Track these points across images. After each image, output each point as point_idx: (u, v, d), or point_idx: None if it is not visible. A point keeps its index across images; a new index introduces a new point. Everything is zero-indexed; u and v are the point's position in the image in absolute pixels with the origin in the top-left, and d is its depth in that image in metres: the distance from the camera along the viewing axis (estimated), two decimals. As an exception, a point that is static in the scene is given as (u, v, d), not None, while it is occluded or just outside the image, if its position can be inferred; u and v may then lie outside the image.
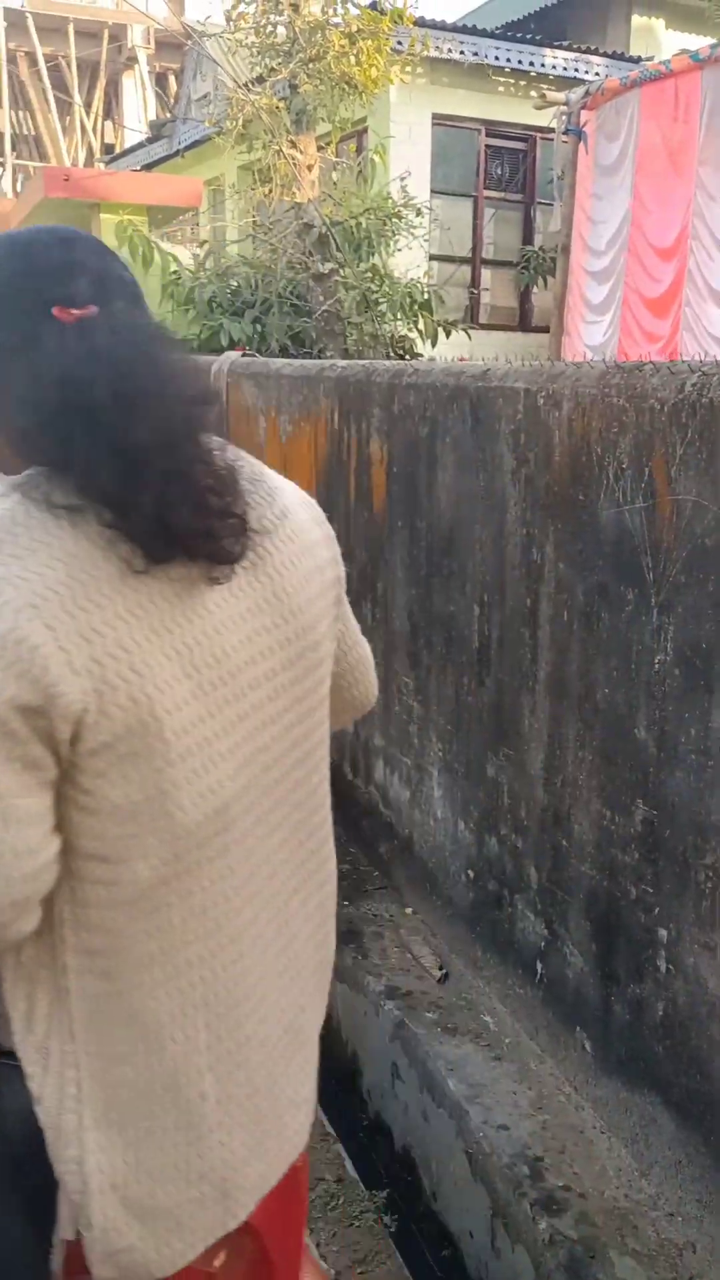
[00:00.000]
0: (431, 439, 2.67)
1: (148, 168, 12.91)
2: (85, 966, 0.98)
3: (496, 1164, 2.03)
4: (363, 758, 3.27)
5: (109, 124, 23.50)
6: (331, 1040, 2.88)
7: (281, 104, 5.10)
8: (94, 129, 22.92)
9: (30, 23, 21.58)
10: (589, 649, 2.02)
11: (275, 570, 1.10)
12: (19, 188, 24.43)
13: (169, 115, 16.90)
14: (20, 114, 23.65)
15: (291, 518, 1.16)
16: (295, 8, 4.91)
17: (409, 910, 2.95)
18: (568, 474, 2.06)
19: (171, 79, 22.00)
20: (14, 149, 22.84)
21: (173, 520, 0.93)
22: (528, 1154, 2.03)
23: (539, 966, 2.29)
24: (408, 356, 5.90)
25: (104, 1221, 1.01)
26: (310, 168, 5.10)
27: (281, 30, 5.15)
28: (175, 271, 6.89)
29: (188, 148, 11.40)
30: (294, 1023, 1.18)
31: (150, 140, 14.20)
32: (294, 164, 5.02)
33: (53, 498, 0.92)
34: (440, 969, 2.66)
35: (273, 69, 5.32)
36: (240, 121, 5.11)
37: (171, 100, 21.83)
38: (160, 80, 22.61)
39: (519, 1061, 2.30)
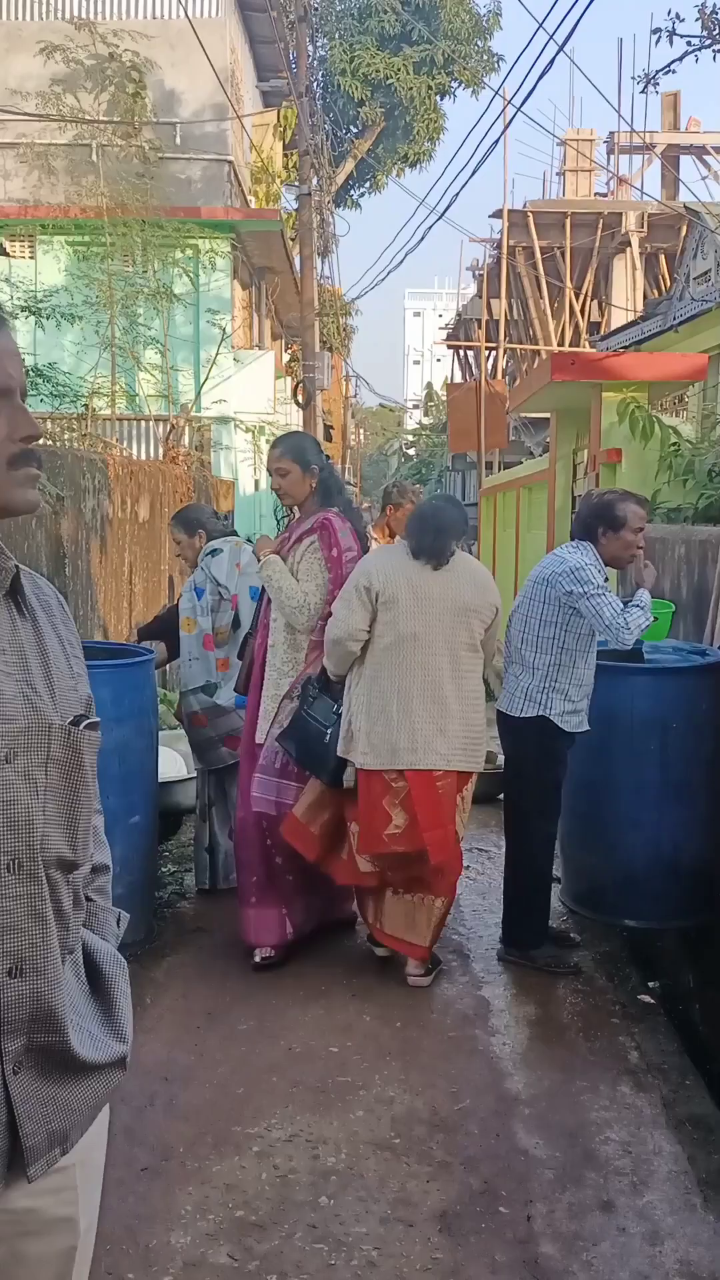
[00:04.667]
0: None
1: (638, 344, 13.38)
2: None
3: None
4: None
5: (595, 304, 24.81)
6: None
7: None
8: (581, 310, 24.30)
9: (531, 221, 23.63)
10: None
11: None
12: (505, 366, 26.39)
13: (660, 294, 17.48)
14: (513, 301, 25.75)
15: None
16: None
17: None
18: None
19: (662, 259, 22.84)
20: (505, 334, 24.80)
21: None
22: None
23: None
24: None
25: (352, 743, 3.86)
26: None
27: None
28: (675, 443, 7.01)
29: (682, 322, 11.68)
30: (431, 713, 3.80)
31: (643, 318, 14.75)
32: None
33: None
34: None
35: None
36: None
37: (661, 279, 22.62)
38: (650, 260, 23.56)
39: None
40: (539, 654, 4.04)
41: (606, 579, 4.11)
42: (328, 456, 4.39)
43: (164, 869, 5.18)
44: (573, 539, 4.20)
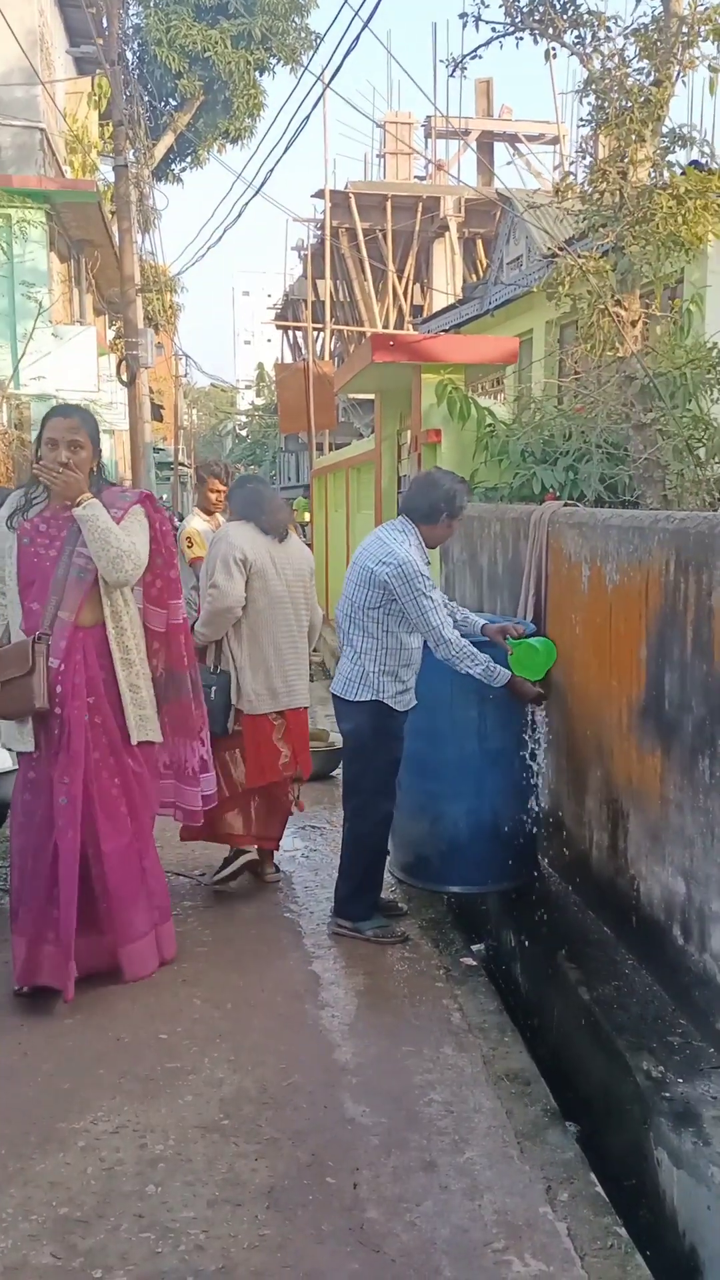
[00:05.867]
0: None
1: (457, 327, 13.67)
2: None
3: None
4: (697, 923, 3.11)
5: (417, 287, 25.18)
6: (664, 1227, 2.67)
7: (606, 264, 5.28)
8: (404, 293, 24.62)
9: (352, 203, 23.77)
10: None
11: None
12: (333, 347, 26.49)
13: (478, 278, 17.88)
14: (338, 283, 25.87)
15: None
16: (624, 175, 5.12)
17: (754, 1097, 2.73)
18: None
19: (479, 243, 23.38)
20: (332, 315, 24.91)
21: None
22: None
23: None
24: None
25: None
26: (634, 323, 5.20)
27: (608, 196, 5.37)
28: (490, 425, 7.18)
29: (497, 307, 11.99)
30: (294, 660, 4.65)
31: (461, 302, 15.07)
32: (618, 320, 5.15)
33: None
34: None
35: (596, 230, 5.54)
36: (567, 283, 5.32)
37: (479, 263, 23.13)
38: (468, 244, 24.07)
39: None
40: (366, 637, 4.11)
41: (428, 561, 4.20)
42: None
43: (-15, 865, 5.01)
44: (403, 516, 4.23)
